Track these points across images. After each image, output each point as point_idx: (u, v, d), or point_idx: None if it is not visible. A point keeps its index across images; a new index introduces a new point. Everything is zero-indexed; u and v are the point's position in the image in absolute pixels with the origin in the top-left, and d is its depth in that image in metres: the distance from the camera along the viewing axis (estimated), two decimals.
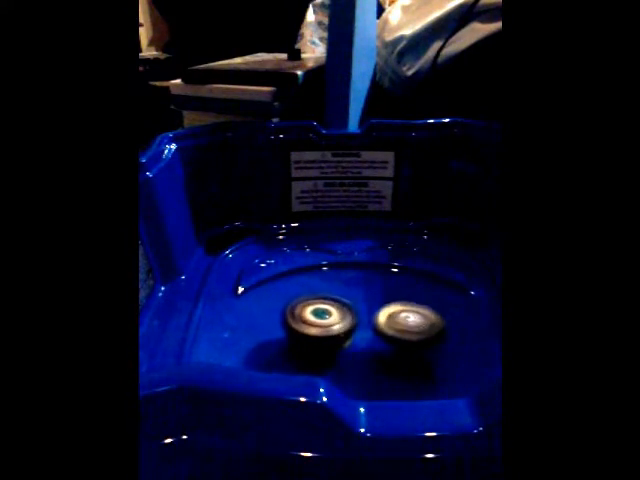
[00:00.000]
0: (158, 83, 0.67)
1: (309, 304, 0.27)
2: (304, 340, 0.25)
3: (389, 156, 0.38)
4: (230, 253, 0.37)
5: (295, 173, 0.39)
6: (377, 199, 0.40)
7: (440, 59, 0.42)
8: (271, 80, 0.43)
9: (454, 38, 0.42)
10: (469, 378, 0.25)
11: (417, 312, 0.26)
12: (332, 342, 0.25)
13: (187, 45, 0.84)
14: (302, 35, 0.66)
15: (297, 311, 0.26)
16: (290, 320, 0.26)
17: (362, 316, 0.27)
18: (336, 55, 0.39)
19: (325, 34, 0.61)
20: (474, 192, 0.38)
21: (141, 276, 0.31)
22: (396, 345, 0.25)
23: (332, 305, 0.27)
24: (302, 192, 0.39)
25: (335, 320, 0.26)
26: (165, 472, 0.15)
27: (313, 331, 0.25)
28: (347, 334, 0.25)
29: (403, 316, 0.26)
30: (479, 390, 0.15)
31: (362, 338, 0.26)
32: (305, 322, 0.26)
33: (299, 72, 0.43)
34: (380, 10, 0.50)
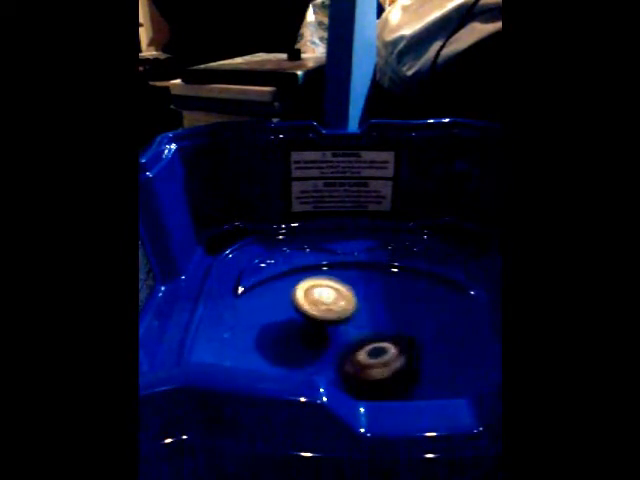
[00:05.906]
0: (158, 83, 0.67)
1: (361, 347, 0.25)
2: (375, 386, 0.23)
3: (389, 156, 0.38)
4: (230, 253, 0.37)
5: (295, 173, 0.39)
6: (377, 199, 0.40)
7: (440, 59, 0.42)
8: (271, 80, 0.43)
9: (454, 38, 0.42)
10: (468, 378, 0.25)
11: (331, 287, 0.28)
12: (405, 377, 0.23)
13: (187, 45, 0.84)
14: (302, 35, 0.66)
15: (352, 358, 0.24)
16: (352, 370, 0.24)
17: (361, 314, 0.28)
18: (336, 55, 0.39)
19: (325, 34, 0.61)
20: (474, 192, 0.38)
21: (141, 276, 0.31)
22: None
23: (386, 342, 0.25)
24: (302, 192, 0.39)
25: (395, 355, 0.24)
26: (165, 472, 0.15)
27: (383, 372, 0.23)
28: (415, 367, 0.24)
29: (317, 291, 0.27)
30: (479, 390, 0.15)
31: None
32: (368, 366, 0.23)
33: (299, 72, 0.43)
34: (380, 10, 0.50)
